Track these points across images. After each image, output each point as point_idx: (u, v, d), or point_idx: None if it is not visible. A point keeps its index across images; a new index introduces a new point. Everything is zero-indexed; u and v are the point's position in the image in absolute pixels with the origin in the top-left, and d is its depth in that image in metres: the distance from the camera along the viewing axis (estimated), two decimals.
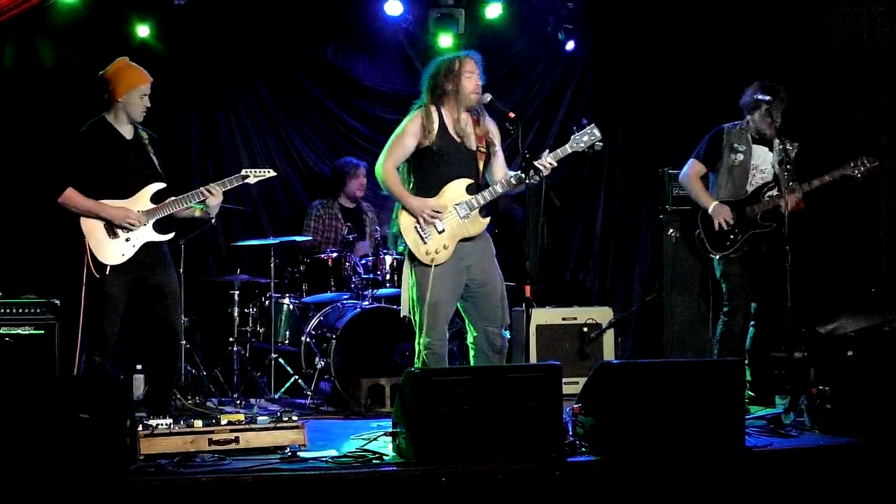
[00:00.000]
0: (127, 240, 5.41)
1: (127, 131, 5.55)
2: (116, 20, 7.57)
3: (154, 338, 5.63)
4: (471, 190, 5.37)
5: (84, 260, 5.33)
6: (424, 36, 8.37)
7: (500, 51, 8.49)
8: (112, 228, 5.39)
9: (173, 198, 5.53)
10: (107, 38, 7.39)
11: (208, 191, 5.53)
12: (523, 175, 5.19)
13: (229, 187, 5.64)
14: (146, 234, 5.46)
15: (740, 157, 6.44)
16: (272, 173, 5.86)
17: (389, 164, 5.39)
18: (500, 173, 5.47)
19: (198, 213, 5.70)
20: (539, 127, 8.77)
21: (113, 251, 5.38)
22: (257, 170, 5.80)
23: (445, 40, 8.23)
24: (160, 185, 5.55)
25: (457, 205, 5.33)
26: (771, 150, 6.45)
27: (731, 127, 6.52)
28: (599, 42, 8.88)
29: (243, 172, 5.73)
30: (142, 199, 5.49)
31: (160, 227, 5.53)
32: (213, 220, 6.81)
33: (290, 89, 8.28)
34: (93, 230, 5.37)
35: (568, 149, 5.33)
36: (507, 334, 5.44)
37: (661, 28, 8.57)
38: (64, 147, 5.46)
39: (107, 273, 5.34)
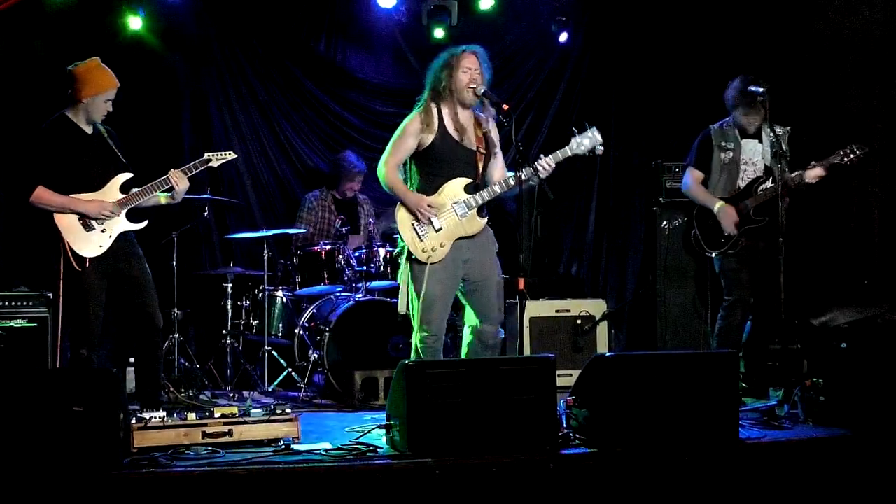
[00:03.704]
0: (103, 231, 5.42)
1: (87, 128, 5.55)
2: (108, 12, 7.54)
3: (135, 329, 5.63)
4: (469, 189, 5.36)
5: (60, 255, 5.33)
6: (418, 28, 8.34)
7: (494, 43, 8.44)
8: (87, 221, 5.39)
9: (142, 187, 5.54)
10: (98, 31, 7.38)
11: (173, 176, 5.54)
12: (520, 174, 5.16)
13: (194, 172, 5.66)
14: (121, 224, 5.49)
15: (730, 154, 6.43)
16: (233, 155, 5.89)
17: (391, 164, 5.39)
18: (499, 174, 5.46)
19: (163, 200, 5.70)
20: (532, 119, 8.76)
21: (91, 244, 5.39)
22: (219, 153, 5.81)
23: (438, 32, 8.20)
24: (128, 175, 5.58)
25: (454, 203, 5.32)
26: (760, 141, 6.44)
27: (717, 127, 6.51)
28: (593, 34, 8.87)
29: (206, 156, 5.75)
30: (112, 190, 5.51)
31: (132, 216, 5.54)
32: (206, 213, 6.81)
33: (283, 82, 8.26)
34: (68, 225, 5.38)
35: (568, 151, 5.31)
36: (502, 333, 5.43)
37: (654, 19, 8.56)
38: (28, 146, 5.44)
39: (87, 266, 5.35)
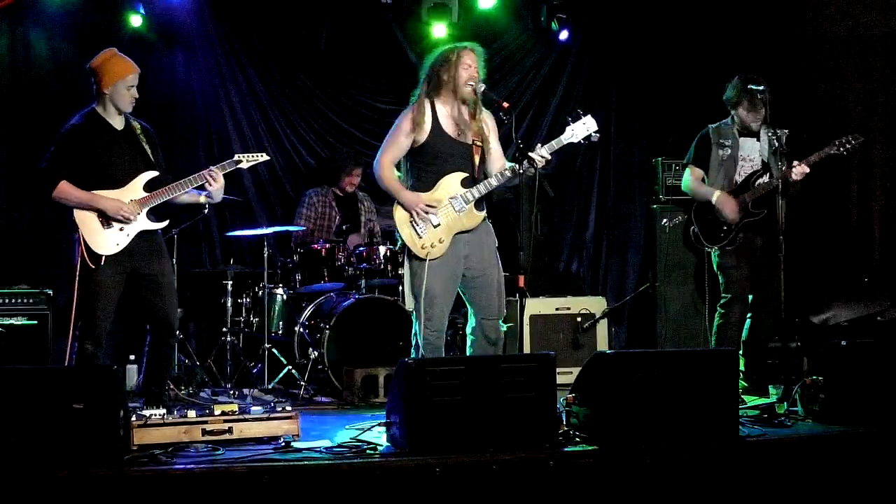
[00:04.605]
0: (121, 229, 5.38)
1: (118, 122, 5.51)
2: (108, 9, 7.54)
3: (149, 328, 5.61)
4: (466, 183, 5.35)
5: (78, 251, 5.31)
6: (417, 26, 8.35)
7: (494, 41, 8.47)
8: (106, 219, 5.37)
9: (167, 185, 5.51)
10: (99, 28, 7.38)
11: (208, 174, 5.50)
12: (517, 166, 5.18)
13: (224, 172, 5.61)
14: (140, 223, 5.44)
15: (728, 150, 6.44)
16: (265, 157, 5.84)
17: (386, 161, 5.38)
18: (498, 166, 5.45)
19: (202, 199, 5.67)
20: (532, 117, 8.77)
21: (107, 241, 5.36)
22: (250, 154, 5.77)
23: (439, 30, 8.21)
24: (153, 174, 5.52)
25: (451, 198, 5.31)
26: (758, 140, 6.45)
27: (715, 126, 6.52)
28: (593, 32, 8.87)
29: (236, 157, 5.70)
30: (134, 189, 5.46)
31: (154, 215, 5.51)
32: (206, 210, 6.80)
33: (283, 79, 8.27)
34: (86, 221, 5.34)
35: (563, 140, 5.31)
36: (505, 327, 5.43)
37: (654, 17, 8.57)
38: (54, 141, 5.42)
39: (101, 263, 5.32)
